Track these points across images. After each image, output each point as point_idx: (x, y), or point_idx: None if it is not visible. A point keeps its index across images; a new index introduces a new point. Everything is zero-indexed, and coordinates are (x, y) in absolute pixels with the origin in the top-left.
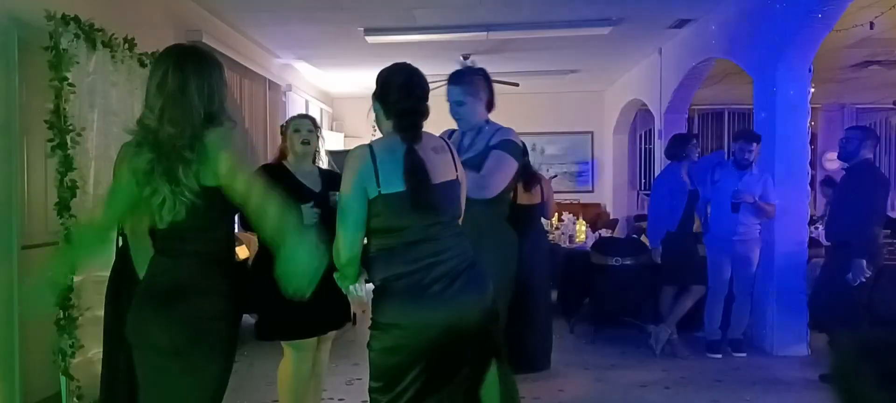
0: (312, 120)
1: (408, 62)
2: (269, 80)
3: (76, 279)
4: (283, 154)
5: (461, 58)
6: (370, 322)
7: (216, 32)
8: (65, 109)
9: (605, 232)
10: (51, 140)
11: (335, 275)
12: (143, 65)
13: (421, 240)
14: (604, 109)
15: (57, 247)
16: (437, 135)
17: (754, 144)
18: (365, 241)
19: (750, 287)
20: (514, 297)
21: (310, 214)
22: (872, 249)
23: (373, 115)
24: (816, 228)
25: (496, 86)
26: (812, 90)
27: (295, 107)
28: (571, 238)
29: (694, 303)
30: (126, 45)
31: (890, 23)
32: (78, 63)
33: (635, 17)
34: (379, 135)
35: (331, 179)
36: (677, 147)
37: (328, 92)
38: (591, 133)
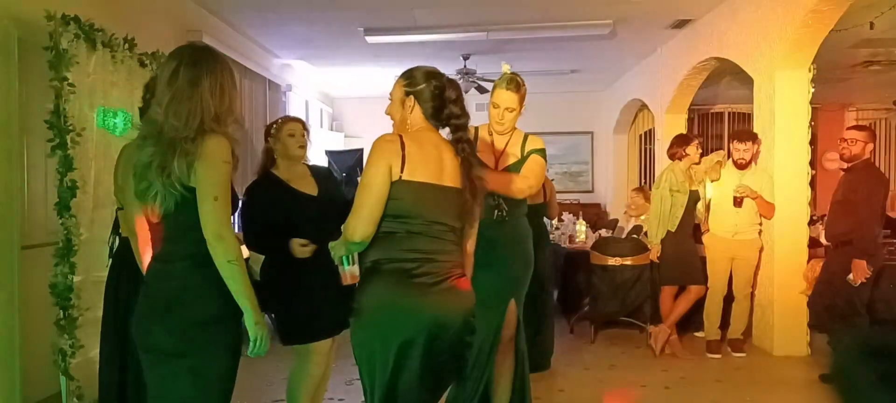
0: (303, 122)
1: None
2: (269, 80)
3: (76, 279)
4: (269, 157)
5: (461, 58)
6: (353, 308)
7: (216, 32)
8: (65, 109)
9: (605, 232)
10: (51, 140)
11: (330, 245)
12: (143, 65)
13: (422, 234)
14: (604, 109)
15: None
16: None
17: (750, 143)
18: None
19: (750, 287)
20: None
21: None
22: (873, 249)
23: (387, 107)
24: (816, 228)
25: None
26: (812, 90)
27: (295, 107)
28: (571, 238)
29: (694, 303)
30: (126, 45)
31: (890, 23)
32: (78, 63)
33: (635, 17)
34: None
35: (327, 177)
36: (679, 147)
37: (328, 92)
38: (591, 133)
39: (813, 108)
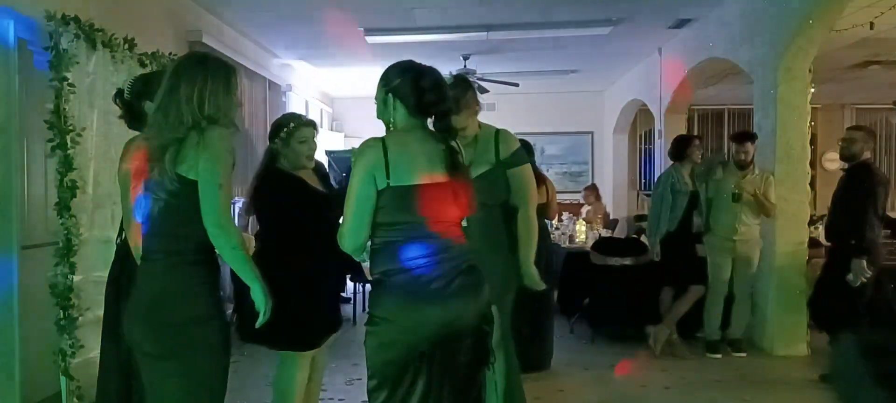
0: (315, 126)
1: (415, 61)
2: (269, 80)
3: (76, 279)
4: (272, 157)
5: (461, 58)
6: (366, 317)
7: (216, 32)
8: (65, 109)
9: (605, 232)
10: (51, 140)
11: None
12: (143, 65)
13: (423, 237)
14: (604, 109)
15: None
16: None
17: (748, 143)
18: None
19: (750, 287)
20: (516, 297)
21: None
22: (874, 249)
23: (376, 111)
24: (816, 228)
25: (496, 87)
26: (812, 90)
27: (295, 107)
28: (571, 238)
29: (694, 303)
30: (126, 45)
31: (890, 23)
32: (78, 63)
33: (635, 17)
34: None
35: (324, 177)
36: (680, 148)
37: (328, 92)
38: (591, 133)
39: (813, 108)
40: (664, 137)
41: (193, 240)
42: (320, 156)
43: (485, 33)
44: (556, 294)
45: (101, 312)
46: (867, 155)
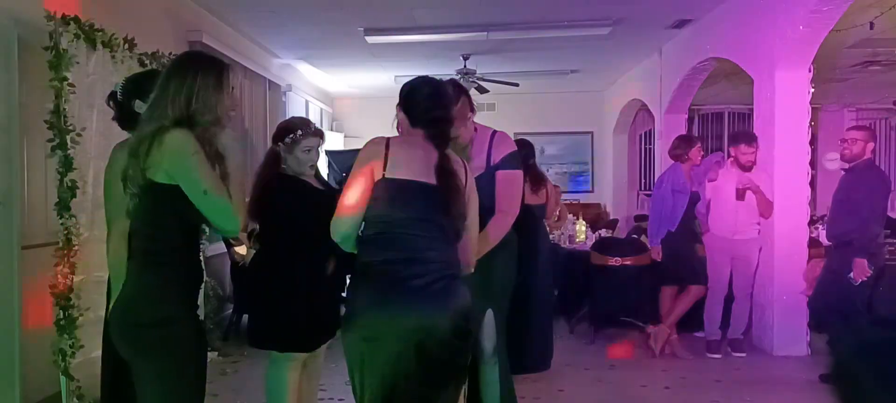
0: (323, 136)
1: (429, 76)
2: (269, 80)
3: (76, 279)
4: (275, 158)
5: (461, 57)
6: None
7: (216, 32)
8: (65, 109)
9: (605, 233)
10: (51, 140)
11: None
12: (143, 65)
13: (410, 234)
14: (604, 109)
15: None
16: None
17: (744, 146)
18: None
19: (750, 287)
20: (516, 298)
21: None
22: (874, 249)
23: (394, 122)
24: (816, 228)
25: (496, 87)
26: (812, 90)
27: (295, 107)
28: (571, 238)
29: (694, 303)
30: (126, 45)
31: (890, 23)
32: (78, 63)
33: (635, 17)
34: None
35: (322, 181)
36: (680, 148)
37: (328, 92)
38: (591, 133)
39: (813, 108)
40: (664, 137)
41: (164, 241)
42: (321, 157)
43: (485, 33)
44: (556, 294)
45: (101, 312)
46: (868, 154)
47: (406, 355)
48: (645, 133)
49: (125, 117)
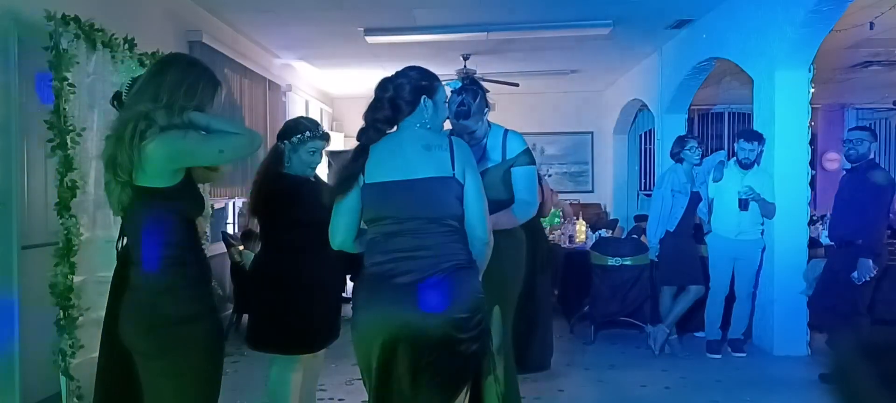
0: (329, 138)
1: (405, 67)
2: (269, 80)
3: (76, 279)
4: (278, 157)
5: (461, 58)
6: None
7: (216, 32)
8: (65, 109)
9: (605, 233)
10: (51, 140)
11: None
12: (143, 65)
13: (398, 233)
14: (604, 109)
15: None
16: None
17: (756, 143)
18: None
19: (750, 287)
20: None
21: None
22: (878, 249)
23: None
24: (816, 228)
25: (496, 87)
26: (812, 90)
27: (295, 107)
28: (571, 238)
29: (694, 303)
30: (126, 45)
31: (890, 23)
32: (78, 63)
33: (635, 17)
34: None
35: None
36: (680, 148)
37: (328, 92)
38: (591, 133)
39: (813, 108)
40: (664, 137)
41: (174, 244)
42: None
43: (485, 33)
44: (556, 294)
45: (101, 312)
46: (872, 155)
47: (399, 353)
48: (645, 133)
49: None
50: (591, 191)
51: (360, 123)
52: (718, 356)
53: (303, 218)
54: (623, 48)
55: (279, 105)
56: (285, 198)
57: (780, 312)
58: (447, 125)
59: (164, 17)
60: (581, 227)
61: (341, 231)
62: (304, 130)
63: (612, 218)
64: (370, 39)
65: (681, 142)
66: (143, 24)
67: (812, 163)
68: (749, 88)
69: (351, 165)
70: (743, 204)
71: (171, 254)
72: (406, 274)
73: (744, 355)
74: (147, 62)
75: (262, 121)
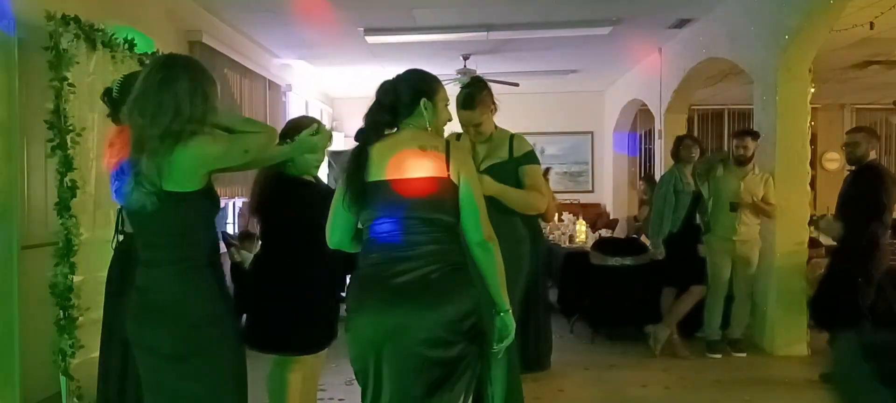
0: (331, 136)
1: (405, 70)
2: (269, 80)
3: (76, 279)
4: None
5: (461, 58)
6: None
7: (216, 32)
8: (65, 109)
9: (605, 233)
10: (51, 140)
11: None
12: (142, 65)
13: (391, 232)
14: (604, 109)
15: None
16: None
17: (749, 139)
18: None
19: (750, 287)
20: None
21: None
22: (881, 249)
23: None
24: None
25: (496, 87)
26: (812, 90)
27: (295, 107)
28: (571, 238)
29: (694, 303)
30: (126, 45)
31: (890, 23)
32: (78, 63)
33: (635, 17)
34: None
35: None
36: (679, 147)
37: (328, 92)
38: (591, 133)
39: (813, 108)
40: (664, 137)
41: (201, 246)
42: None
43: (485, 33)
44: (556, 294)
45: (101, 312)
46: (873, 155)
47: (388, 352)
48: (645, 133)
49: (120, 115)
50: (591, 191)
51: (360, 123)
52: (718, 356)
53: (302, 218)
54: (623, 48)
55: (279, 105)
56: (285, 198)
57: (779, 312)
58: (455, 119)
59: (164, 17)
60: (581, 227)
61: (338, 230)
62: (308, 128)
63: (612, 218)
64: (370, 39)
65: (680, 141)
66: (143, 24)
67: (812, 163)
68: (749, 88)
69: (351, 165)
70: (732, 206)
71: (200, 255)
72: (400, 274)
73: (744, 355)
74: (147, 62)
75: (262, 121)
